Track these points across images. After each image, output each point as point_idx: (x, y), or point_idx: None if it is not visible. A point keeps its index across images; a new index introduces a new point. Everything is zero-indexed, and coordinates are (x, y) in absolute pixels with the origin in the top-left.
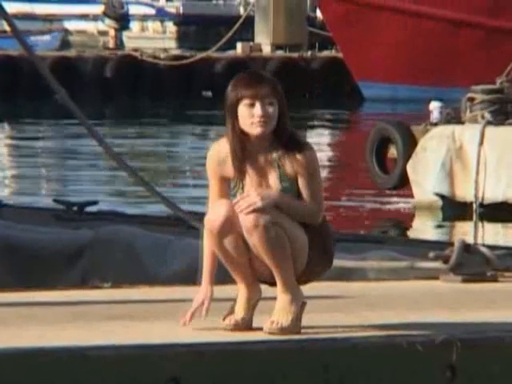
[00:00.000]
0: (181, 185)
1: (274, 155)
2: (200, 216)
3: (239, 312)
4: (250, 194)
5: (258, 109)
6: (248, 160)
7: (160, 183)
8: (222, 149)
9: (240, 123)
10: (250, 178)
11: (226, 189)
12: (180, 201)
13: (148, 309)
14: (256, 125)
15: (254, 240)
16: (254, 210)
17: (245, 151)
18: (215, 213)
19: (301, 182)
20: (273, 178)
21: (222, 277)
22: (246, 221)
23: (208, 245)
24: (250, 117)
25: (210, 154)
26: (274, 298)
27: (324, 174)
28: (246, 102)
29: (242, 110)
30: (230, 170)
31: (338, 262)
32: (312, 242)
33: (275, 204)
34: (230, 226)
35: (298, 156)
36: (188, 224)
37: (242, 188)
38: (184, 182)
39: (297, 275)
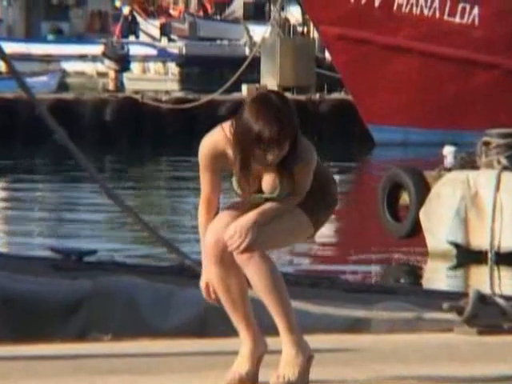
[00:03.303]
0: (183, 239)
1: (275, 165)
2: None
3: (244, 365)
4: (232, 234)
5: (270, 156)
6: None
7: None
8: (219, 141)
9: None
10: (250, 175)
11: (218, 180)
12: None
13: (149, 363)
14: (265, 163)
15: (251, 270)
16: (245, 249)
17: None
18: (213, 235)
19: (296, 183)
20: (272, 182)
21: (225, 329)
22: (240, 259)
23: (204, 226)
24: (263, 158)
25: (207, 147)
26: (280, 352)
27: (333, 221)
28: (263, 146)
29: (258, 151)
30: (225, 162)
31: (348, 312)
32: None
33: (257, 226)
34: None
35: (299, 166)
36: (193, 273)
37: (239, 181)
38: (185, 232)
39: None
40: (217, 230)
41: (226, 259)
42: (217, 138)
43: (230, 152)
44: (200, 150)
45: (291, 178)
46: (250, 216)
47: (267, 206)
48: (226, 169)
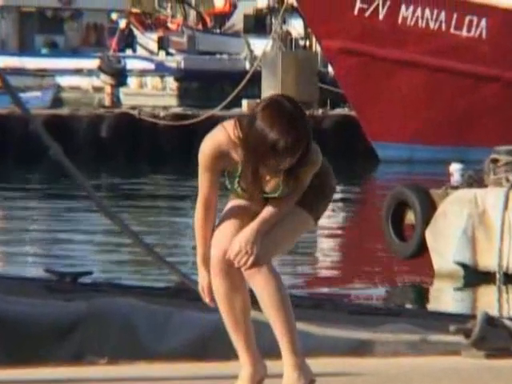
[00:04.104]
0: (181, 260)
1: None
2: None
3: None
4: (238, 251)
5: (282, 165)
6: None
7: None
8: (222, 142)
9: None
10: (259, 183)
11: (217, 181)
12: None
13: None
14: (276, 170)
15: (259, 285)
16: (252, 264)
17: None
18: (218, 249)
19: (299, 183)
20: (275, 183)
21: (225, 353)
22: (247, 273)
23: (201, 227)
24: (275, 167)
25: (209, 148)
26: (281, 375)
27: (336, 240)
28: (277, 157)
29: (272, 160)
30: (227, 163)
31: (352, 335)
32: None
33: (260, 236)
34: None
35: (306, 168)
36: (194, 294)
37: (239, 177)
38: (184, 252)
39: None
40: (221, 244)
41: (232, 273)
42: (220, 139)
43: (233, 153)
44: (201, 151)
45: (297, 179)
46: (253, 228)
47: (268, 212)
48: (225, 169)
